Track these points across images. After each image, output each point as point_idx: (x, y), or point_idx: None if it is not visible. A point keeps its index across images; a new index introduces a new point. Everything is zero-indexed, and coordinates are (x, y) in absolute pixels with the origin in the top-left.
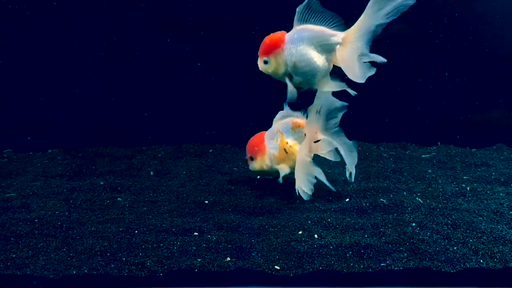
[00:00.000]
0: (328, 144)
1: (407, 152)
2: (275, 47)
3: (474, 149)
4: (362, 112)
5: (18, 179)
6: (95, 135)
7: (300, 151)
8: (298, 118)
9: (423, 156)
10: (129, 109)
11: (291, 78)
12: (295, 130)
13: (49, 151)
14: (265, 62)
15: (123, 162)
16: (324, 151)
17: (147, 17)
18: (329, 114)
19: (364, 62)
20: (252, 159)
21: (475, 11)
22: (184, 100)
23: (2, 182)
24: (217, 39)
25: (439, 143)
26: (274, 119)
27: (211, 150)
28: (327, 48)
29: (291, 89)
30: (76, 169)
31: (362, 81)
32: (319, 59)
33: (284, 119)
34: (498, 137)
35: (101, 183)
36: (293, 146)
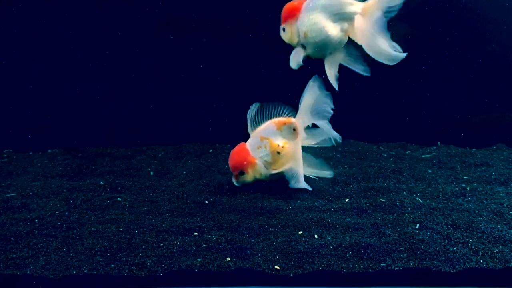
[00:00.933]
0: (317, 134)
1: (407, 152)
2: (290, 15)
3: (474, 149)
4: (362, 112)
5: (18, 179)
6: (95, 135)
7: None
8: (279, 118)
9: (423, 156)
10: (129, 109)
11: (304, 48)
12: (282, 129)
13: (49, 151)
14: (283, 30)
15: (123, 162)
16: (312, 141)
17: (148, 17)
18: (318, 109)
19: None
20: (242, 173)
21: (475, 11)
22: (184, 100)
23: (2, 182)
24: (217, 39)
25: (439, 143)
26: (249, 130)
27: (211, 150)
28: (343, 18)
29: (296, 55)
30: (76, 169)
31: (389, 62)
32: (332, 30)
33: (263, 125)
34: (498, 137)
35: (101, 183)
36: (285, 146)
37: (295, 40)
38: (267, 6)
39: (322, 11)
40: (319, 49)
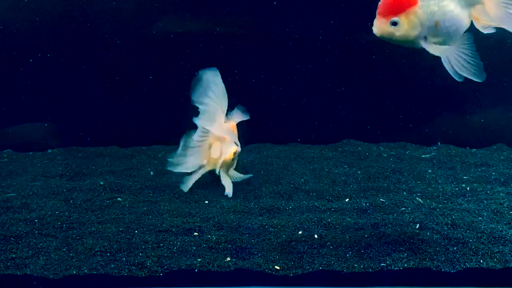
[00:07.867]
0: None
1: (407, 152)
2: (410, 3)
3: (474, 149)
4: (363, 112)
5: (18, 179)
6: (95, 135)
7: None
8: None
9: (423, 156)
10: (129, 109)
11: (425, 40)
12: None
13: (49, 151)
14: (394, 24)
15: (123, 162)
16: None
17: (147, 17)
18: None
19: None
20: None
21: None
22: (185, 100)
23: (2, 182)
24: (218, 39)
25: (439, 143)
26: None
27: None
28: (471, 2)
29: (435, 50)
30: (76, 169)
31: None
32: (463, 15)
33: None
34: (498, 137)
35: (101, 183)
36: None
37: (414, 33)
38: (270, 7)
39: None
40: (448, 40)
